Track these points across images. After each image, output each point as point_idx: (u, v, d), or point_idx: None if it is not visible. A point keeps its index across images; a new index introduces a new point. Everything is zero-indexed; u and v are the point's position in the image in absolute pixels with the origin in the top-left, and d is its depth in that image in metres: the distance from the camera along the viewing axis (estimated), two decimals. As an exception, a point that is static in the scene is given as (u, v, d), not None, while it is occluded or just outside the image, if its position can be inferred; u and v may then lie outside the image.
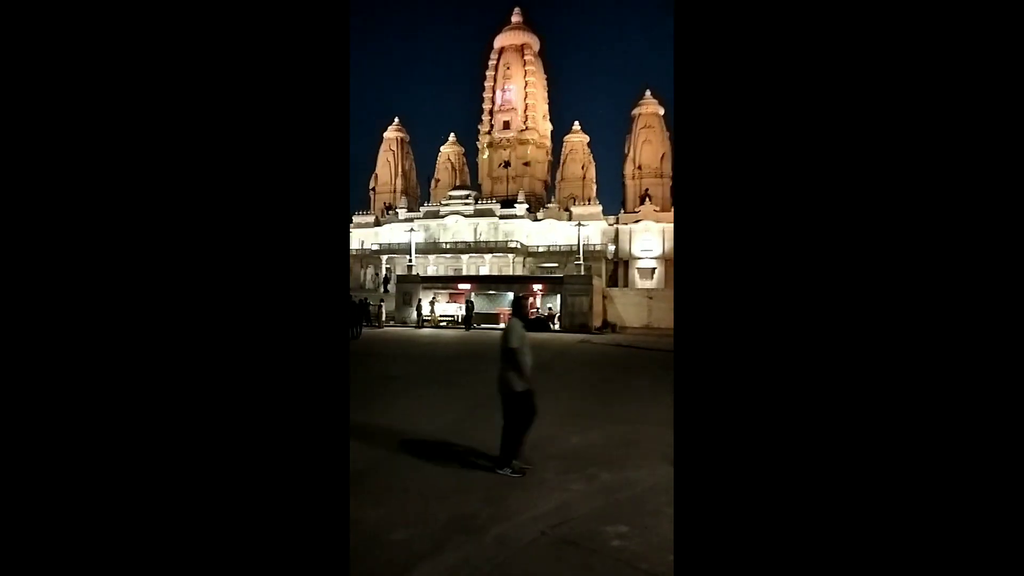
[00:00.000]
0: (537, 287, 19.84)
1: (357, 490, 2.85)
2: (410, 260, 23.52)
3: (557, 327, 17.91)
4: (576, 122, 45.63)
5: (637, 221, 36.10)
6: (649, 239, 35.32)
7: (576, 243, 25.56)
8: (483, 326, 19.04)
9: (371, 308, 17.18)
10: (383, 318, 19.20)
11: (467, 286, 21.02)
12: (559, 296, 18.73)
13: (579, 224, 24.84)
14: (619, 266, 35.67)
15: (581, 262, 21.92)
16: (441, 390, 6.19)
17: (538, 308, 19.39)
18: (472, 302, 18.62)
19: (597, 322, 18.66)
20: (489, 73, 47.13)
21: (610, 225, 36.64)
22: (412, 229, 26.67)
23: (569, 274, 20.84)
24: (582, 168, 43.98)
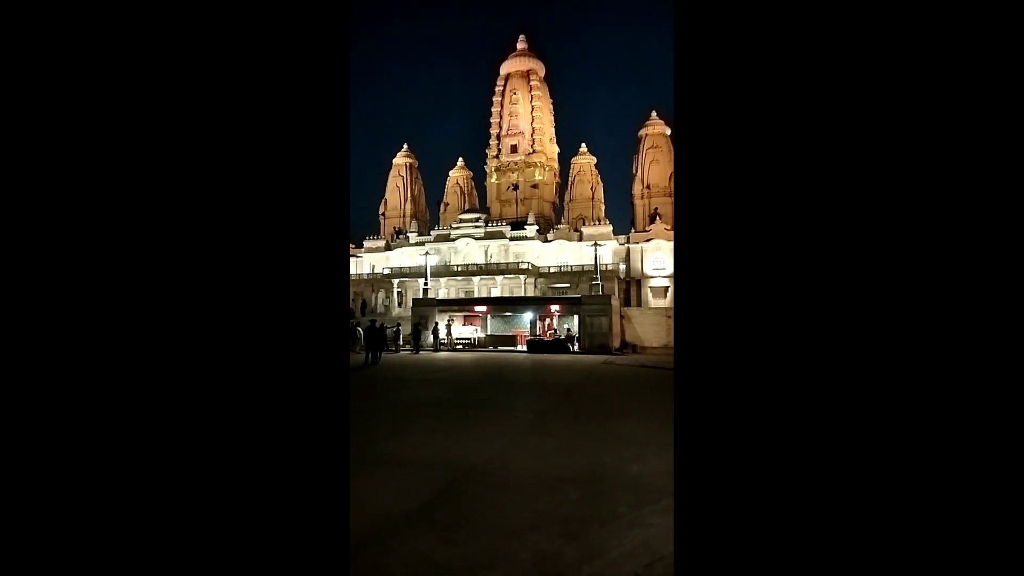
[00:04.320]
0: (554, 308, 19.67)
1: (428, 527, 2.68)
2: (425, 283, 23.51)
3: (576, 348, 17.68)
4: (583, 144, 46.29)
5: (648, 240, 36.06)
6: (661, 258, 35.18)
7: (586, 263, 25.35)
8: (500, 348, 18.87)
9: (388, 331, 17.06)
10: (400, 342, 18.93)
11: (483, 308, 20.91)
12: (576, 317, 18.55)
13: (595, 244, 24.79)
14: (631, 285, 35.47)
15: (599, 282, 21.78)
16: (481, 415, 6.02)
17: (555, 329, 19.20)
18: (418, 324, 18.04)
19: (616, 342, 18.41)
20: (496, 99, 48.12)
21: (621, 244, 36.61)
22: (427, 252, 26.75)
23: (587, 294, 20.68)
24: (590, 189, 44.32)
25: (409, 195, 50.80)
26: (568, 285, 32.20)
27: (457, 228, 39.32)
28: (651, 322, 20.49)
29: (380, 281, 38.62)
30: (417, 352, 17.12)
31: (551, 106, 48.48)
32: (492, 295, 30.92)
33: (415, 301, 22.09)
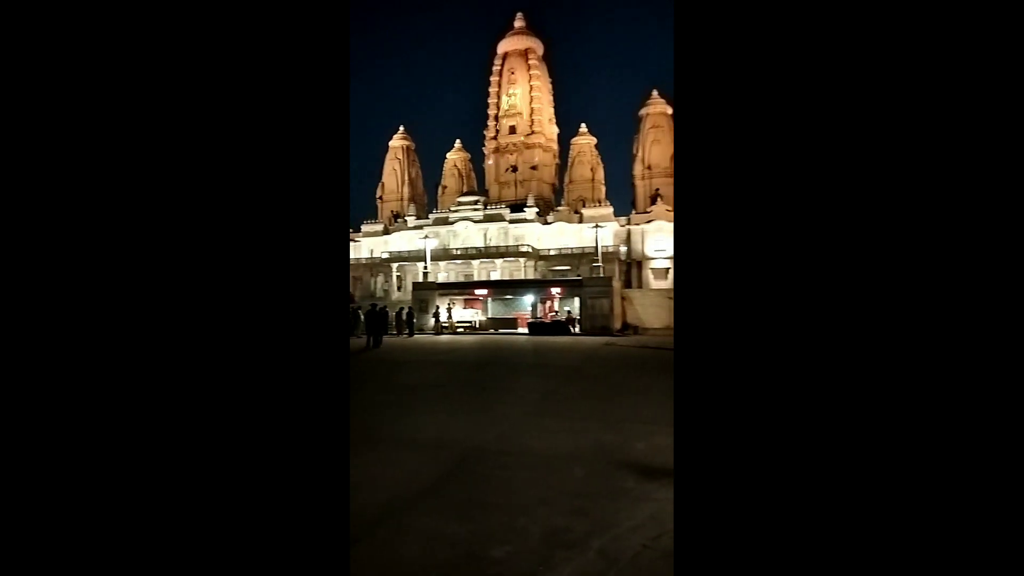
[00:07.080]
0: (555, 290, 19.71)
1: (439, 504, 2.74)
2: (425, 267, 23.50)
3: (577, 330, 17.76)
4: (583, 124, 45.72)
5: (649, 221, 35.94)
6: (662, 239, 35.10)
7: (587, 245, 25.29)
8: (501, 331, 18.96)
9: (390, 315, 17.04)
10: (401, 325, 18.50)
11: (484, 292, 20.94)
12: (577, 299, 18.59)
13: (596, 226, 24.70)
14: (632, 267, 35.47)
15: (600, 264, 21.76)
16: (485, 396, 6.08)
17: (556, 312, 19.26)
18: (411, 308, 16.18)
19: (617, 324, 18.49)
20: (493, 79, 47.34)
21: (622, 226, 36.48)
22: (426, 236, 26.65)
23: (588, 276, 20.69)
24: (591, 170, 43.97)
25: (407, 178, 50.39)
26: (568, 267, 32.19)
27: (456, 211, 39.11)
28: (652, 303, 20.51)
29: (379, 265, 38.60)
30: (411, 336, 17.00)
31: (550, 86, 47.73)
32: (491, 278, 30.93)
33: (415, 285, 22.07)
